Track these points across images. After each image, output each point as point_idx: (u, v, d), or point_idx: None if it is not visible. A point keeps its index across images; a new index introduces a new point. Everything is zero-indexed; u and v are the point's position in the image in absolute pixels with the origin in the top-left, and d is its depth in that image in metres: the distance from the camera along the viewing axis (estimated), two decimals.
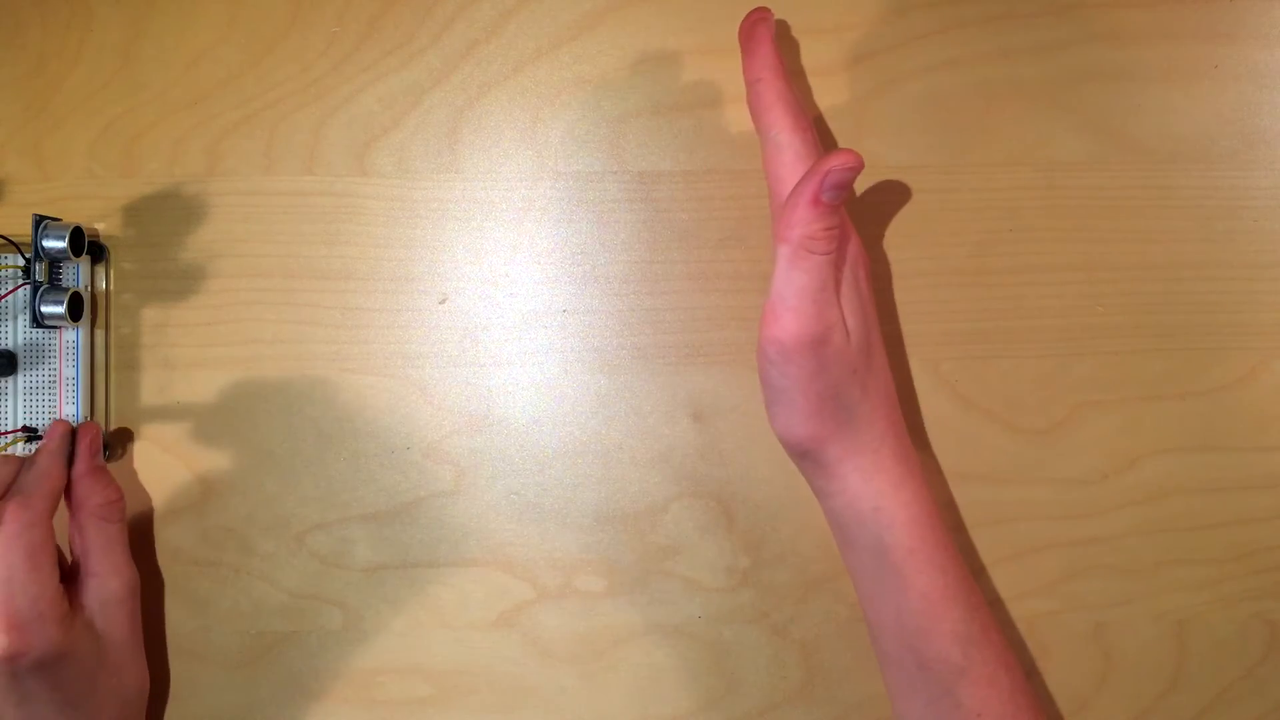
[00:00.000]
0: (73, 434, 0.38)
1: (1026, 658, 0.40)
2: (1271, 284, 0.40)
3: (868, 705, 0.40)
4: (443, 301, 0.41)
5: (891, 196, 0.40)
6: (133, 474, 0.41)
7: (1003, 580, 0.40)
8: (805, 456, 0.35)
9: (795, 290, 0.33)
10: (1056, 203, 0.40)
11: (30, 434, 0.39)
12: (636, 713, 0.40)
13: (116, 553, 0.38)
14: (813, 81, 0.40)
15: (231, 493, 0.41)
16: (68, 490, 0.38)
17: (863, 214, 0.40)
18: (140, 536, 0.41)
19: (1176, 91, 0.40)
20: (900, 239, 0.40)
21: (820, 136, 0.40)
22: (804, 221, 0.32)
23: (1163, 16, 0.40)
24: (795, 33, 0.40)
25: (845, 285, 0.34)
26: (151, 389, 0.41)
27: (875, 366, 0.35)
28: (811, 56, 0.40)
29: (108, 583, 0.37)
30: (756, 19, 0.37)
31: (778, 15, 0.40)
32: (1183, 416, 0.40)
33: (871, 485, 0.34)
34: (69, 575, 0.37)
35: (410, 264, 0.41)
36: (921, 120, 0.40)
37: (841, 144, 0.40)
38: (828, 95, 0.40)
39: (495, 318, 0.41)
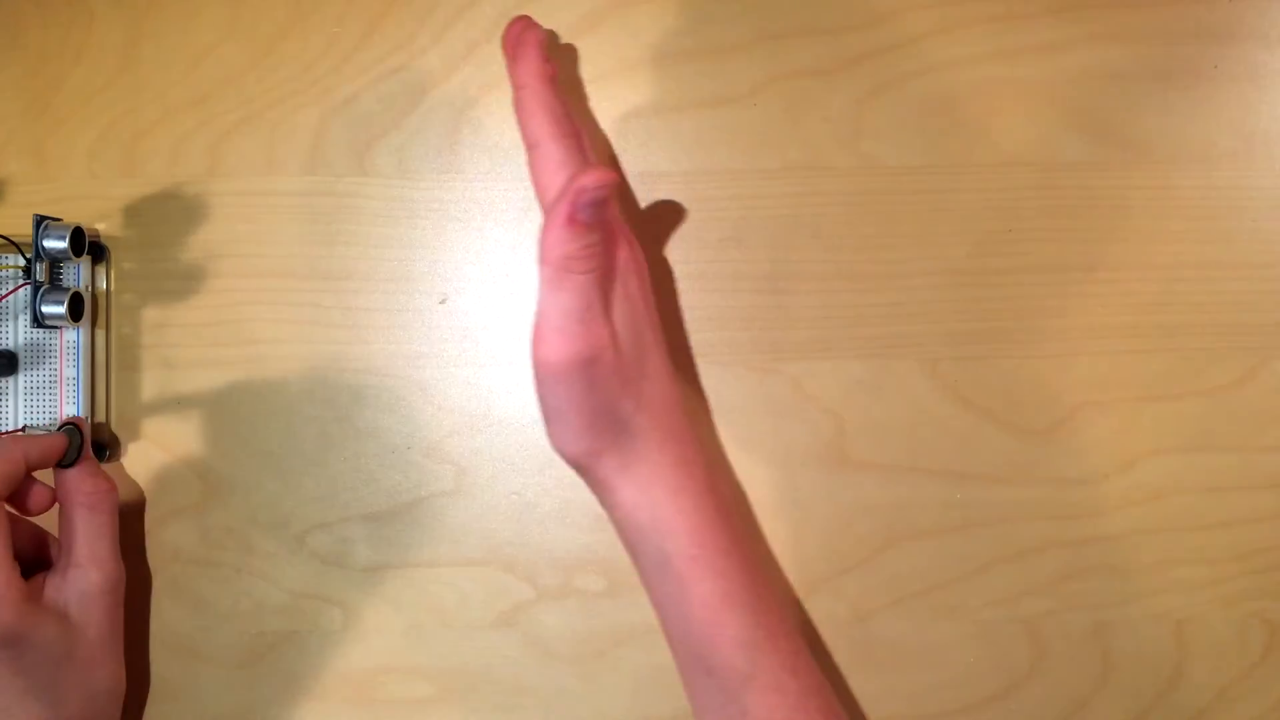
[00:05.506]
0: (67, 442, 0.38)
1: (1026, 658, 0.40)
2: (1271, 284, 0.40)
3: (868, 705, 0.40)
4: (443, 301, 0.41)
5: (891, 196, 0.40)
6: (133, 474, 0.41)
7: (1003, 580, 0.40)
8: (583, 471, 0.35)
9: (560, 311, 0.32)
10: (1056, 203, 0.40)
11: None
12: (636, 713, 0.40)
13: (102, 545, 0.37)
14: (813, 81, 0.40)
15: (231, 493, 0.41)
16: (57, 481, 0.38)
17: (863, 214, 0.40)
18: (140, 536, 0.41)
19: (1176, 91, 0.40)
20: (900, 239, 0.40)
21: (821, 136, 0.40)
22: (560, 242, 0.32)
23: (1163, 16, 0.40)
24: (794, 33, 0.40)
25: (616, 297, 0.34)
26: (151, 389, 0.41)
27: (651, 374, 0.35)
28: (811, 56, 0.40)
29: (88, 574, 0.37)
30: (524, 26, 0.36)
31: (779, 15, 0.40)
32: (1183, 416, 0.40)
33: (648, 495, 0.34)
34: (53, 565, 0.37)
35: (410, 264, 0.41)
36: (921, 120, 0.40)
37: (841, 144, 0.40)
38: (827, 95, 0.40)
39: (495, 318, 0.41)
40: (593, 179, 0.31)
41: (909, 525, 0.40)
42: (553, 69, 0.35)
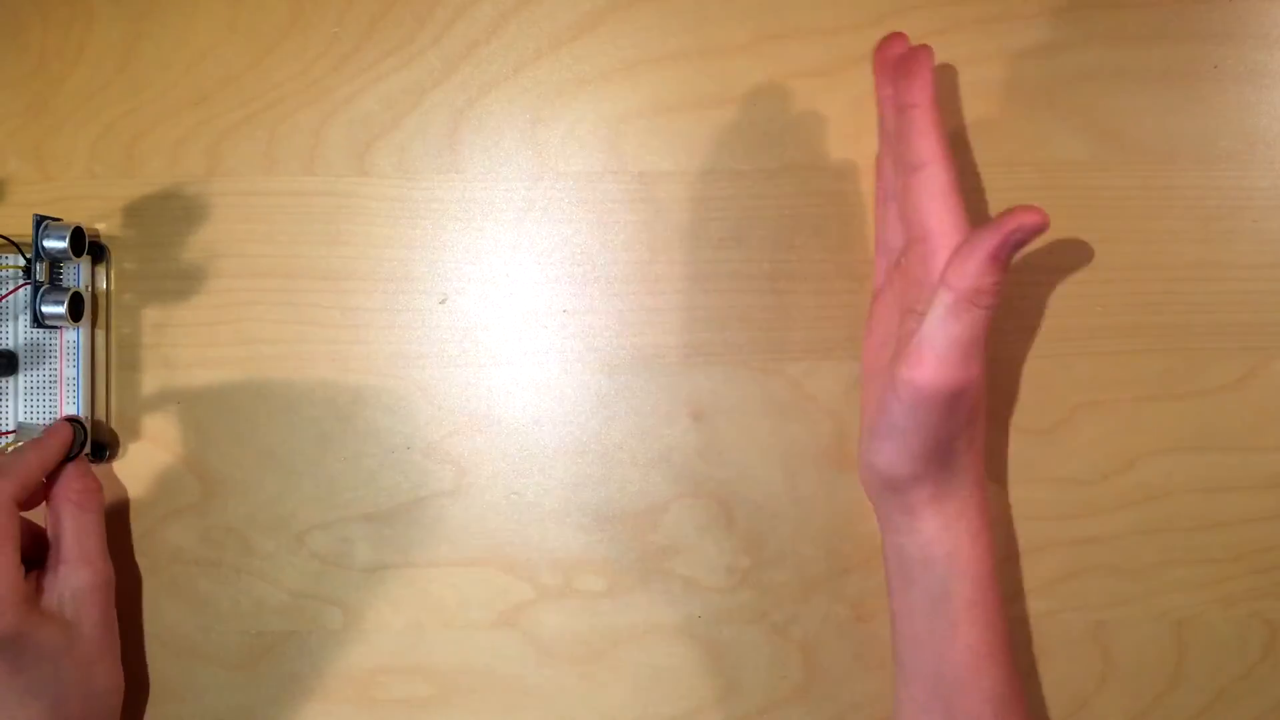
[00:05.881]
0: (73, 434, 0.38)
1: (1027, 658, 0.40)
2: (1271, 284, 0.40)
3: (867, 705, 0.40)
4: (443, 301, 0.41)
5: None
6: (133, 474, 0.41)
7: (1002, 580, 0.40)
8: (896, 492, 0.35)
9: (948, 340, 0.32)
10: (1056, 203, 0.40)
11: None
12: (636, 713, 0.40)
13: (89, 543, 0.38)
14: (813, 81, 0.40)
15: (231, 493, 0.41)
16: (47, 480, 0.38)
17: (863, 214, 0.40)
18: (140, 536, 0.41)
19: (1176, 91, 0.40)
20: None
21: (821, 136, 0.40)
22: (977, 274, 0.31)
23: (1163, 16, 0.40)
24: (794, 33, 0.40)
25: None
26: (151, 389, 0.41)
27: (980, 416, 0.35)
28: (812, 56, 0.40)
29: (78, 571, 0.37)
30: (906, 43, 0.36)
31: (781, 15, 0.40)
32: (1182, 416, 0.40)
33: (950, 532, 0.35)
34: (45, 564, 0.37)
35: (410, 264, 0.41)
36: None
37: (841, 144, 0.40)
38: (828, 95, 0.40)
39: (495, 318, 0.41)
40: (1032, 220, 0.30)
41: None
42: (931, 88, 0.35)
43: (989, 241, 0.31)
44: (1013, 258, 0.31)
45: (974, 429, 0.35)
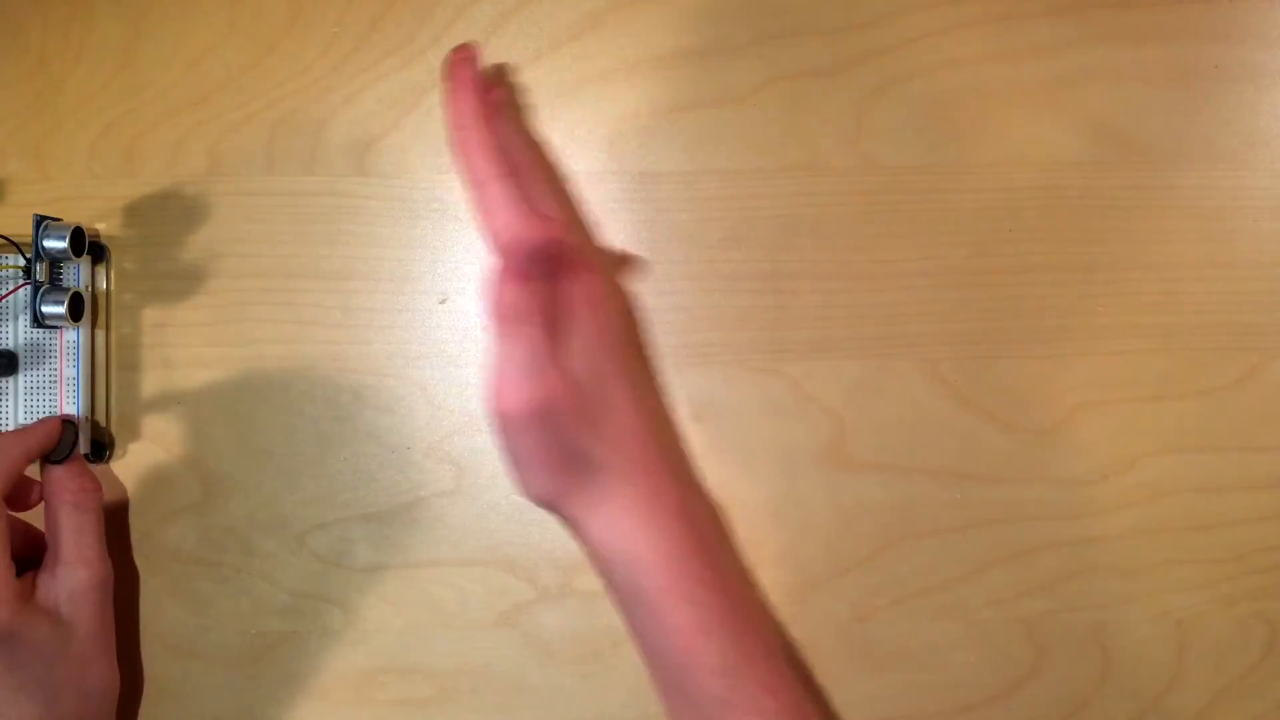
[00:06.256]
0: (61, 430, 0.38)
1: (1026, 658, 0.40)
2: (1271, 284, 0.40)
3: (868, 705, 0.40)
4: (443, 301, 0.41)
5: (891, 196, 0.40)
6: (133, 474, 0.41)
7: (1003, 580, 0.40)
8: (554, 510, 0.35)
9: (512, 363, 0.33)
10: (1056, 203, 0.40)
11: None
12: (636, 713, 0.40)
13: (87, 543, 0.37)
14: (813, 82, 0.40)
15: (231, 493, 0.41)
16: (45, 479, 0.38)
17: (863, 214, 0.40)
18: (140, 536, 0.41)
19: (1176, 91, 0.40)
20: (900, 239, 0.40)
21: (821, 136, 0.40)
22: (506, 296, 0.32)
23: (1163, 16, 0.40)
24: (794, 33, 0.40)
25: (574, 337, 0.34)
26: (151, 389, 0.41)
27: (616, 406, 0.35)
28: (811, 56, 0.40)
29: (75, 571, 0.37)
30: (458, 60, 0.36)
31: (779, 15, 0.40)
32: (1183, 416, 0.40)
33: (616, 529, 0.34)
34: (42, 563, 0.37)
35: (410, 264, 0.41)
36: (921, 120, 0.40)
37: (841, 144, 0.40)
38: (827, 95, 0.40)
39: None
40: (532, 233, 0.31)
41: (909, 525, 0.40)
42: (496, 96, 0.35)
43: (505, 265, 0.32)
44: (542, 269, 0.32)
45: (602, 427, 0.34)
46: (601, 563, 0.35)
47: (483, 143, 0.35)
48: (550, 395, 0.33)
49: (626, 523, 0.34)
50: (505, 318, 0.32)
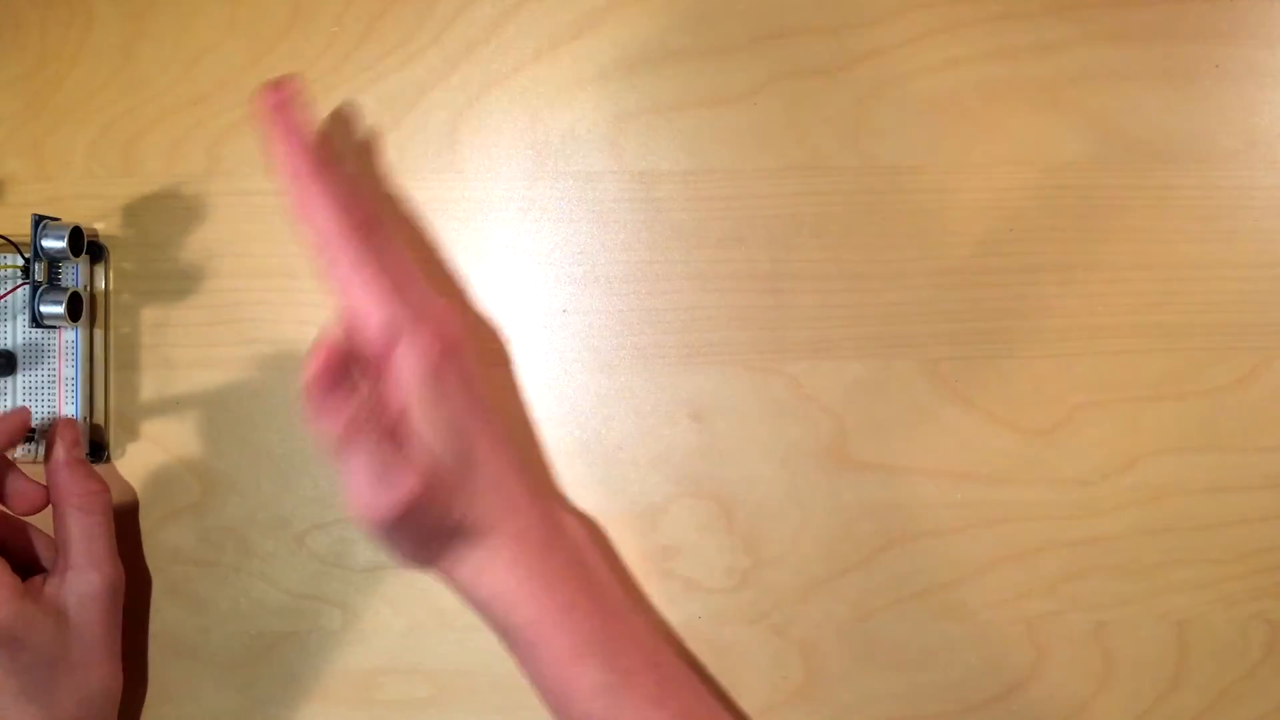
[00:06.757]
0: (28, 419, 0.38)
1: (1026, 658, 0.40)
2: (1271, 284, 0.40)
3: (867, 705, 0.40)
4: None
5: (891, 196, 0.40)
6: (132, 474, 0.41)
7: (1003, 580, 0.40)
8: (426, 570, 0.36)
9: (357, 479, 0.32)
10: (1056, 203, 0.40)
11: (28, 435, 0.39)
12: None
13: (97, 547, 0.37)
14: (813, 81, 0.40)
15: (231, 493, 0.41)
16: (50, 483, 0.38)
17: (863, 214, 0.40)
18: (139, 537, 0.40)
19: (1176, 91, 0.40)
20: (900, 239, 0.40)
21: (821, 136, 0.40)
22: (329, 415, 0.31)
23: (1163, 16, 0.40)
24: (794, 33, 0.40)
25: (427, 412, 0.33)
26: (151, 389, 0.41)
27: (481, 461, 0.34)
28: (811, 56, 0.40)
29: (86, 575, 0.37)
30: (275, 102, 0.34)
31: (779, 15, 0.40)
32: (1183, 416, 0.40)
33: (484, 575, 0.35)
34: (53, 567, 0.37)
35: None
36: (921, 120, 0.40)
37: (841, 144, 0.40)
38: (828, 95, 0.40)
39: (495, 318, 0.41)
40: (319, 361, 0.30)
41: (909, 525, 0.40)
42: (322, 147, 0.33)
43: (310, 390, 0.31)
44: (364, 370, 0.31)
45: (467, 493, 0.34)
46: (473, 605, 0.35)
47: (322, 196, 0.33)
48: (406, 497, 0.32)
49: (494, 567, 0.35)
50: (340, 437, 0.32)
